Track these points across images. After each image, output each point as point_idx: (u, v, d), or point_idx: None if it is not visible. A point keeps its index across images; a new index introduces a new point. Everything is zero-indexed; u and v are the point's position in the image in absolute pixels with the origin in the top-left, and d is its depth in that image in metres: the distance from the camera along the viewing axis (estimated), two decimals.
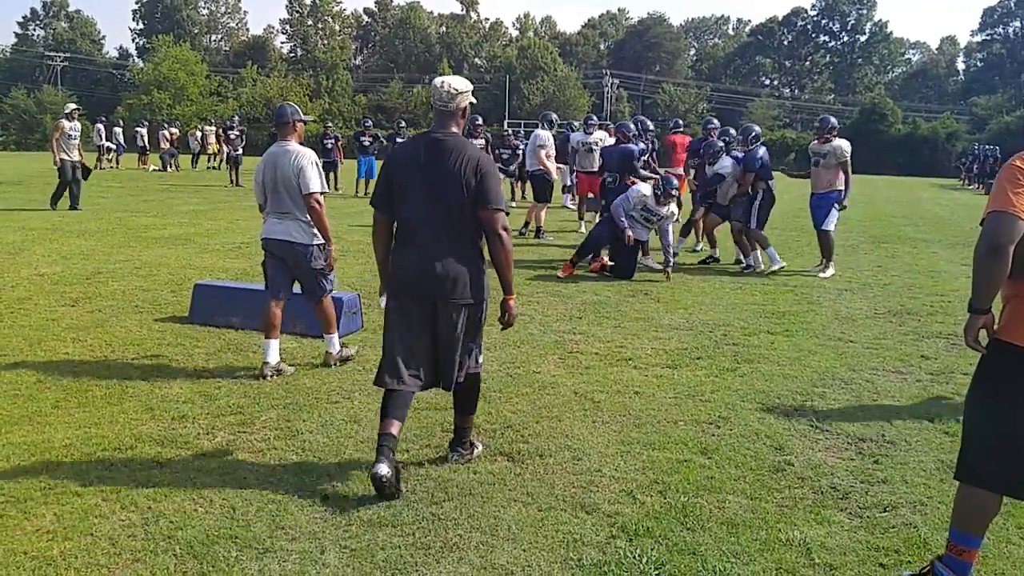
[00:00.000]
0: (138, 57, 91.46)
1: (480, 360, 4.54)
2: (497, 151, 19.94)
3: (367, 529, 3.69)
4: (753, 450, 4.76)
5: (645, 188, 10.44)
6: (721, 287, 10.07)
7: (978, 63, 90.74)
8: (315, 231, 6.03)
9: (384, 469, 3.93)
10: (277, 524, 3.72)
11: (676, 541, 3.65)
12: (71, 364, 6.09)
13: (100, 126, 34.39)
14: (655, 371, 6.35)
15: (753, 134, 11.34)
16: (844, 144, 10.88)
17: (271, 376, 5.86)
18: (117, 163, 34.48)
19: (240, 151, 26.60)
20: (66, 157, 16.45)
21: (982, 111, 68.95)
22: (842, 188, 10.84)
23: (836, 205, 10.91)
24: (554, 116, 16.02)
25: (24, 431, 4.76)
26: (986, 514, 3.21)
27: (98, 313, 7.70)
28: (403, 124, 25.64)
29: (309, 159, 5.95)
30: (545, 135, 14.91)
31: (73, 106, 17.53)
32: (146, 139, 34.38)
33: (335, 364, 6.21)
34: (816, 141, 11.17)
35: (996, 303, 3.12)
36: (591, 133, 14.29)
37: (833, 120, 11.32)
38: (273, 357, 5.94)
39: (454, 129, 4.18)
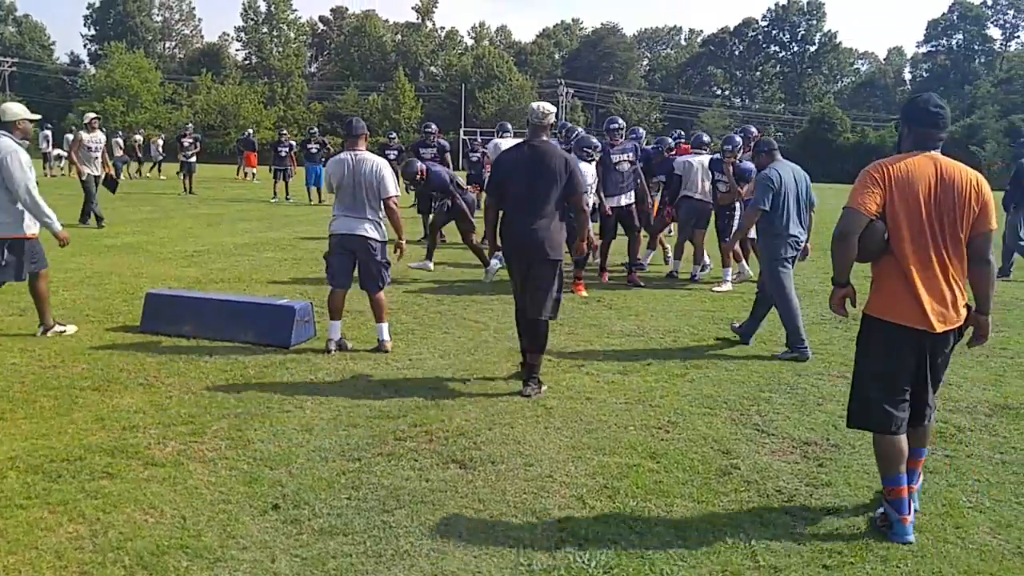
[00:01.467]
0: (90, 64, 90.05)
1: (557, 312, 6.08)
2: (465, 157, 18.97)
3: (318, 538, 3.71)
4: (701, 454, 4.84)
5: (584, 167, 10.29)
6: (672, 294, 10.20)
7: (924, 73, 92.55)
8: (382, 229, 6.95)
9: (530, 392, 5.90)
10: (228, 533, 3.72)
11: (625, 545, 3.71)
12: (19, 374, 6.01)
13: (48, 133, 33.84)
14: (607, 377, 6.43)
15: (736, 145, 10.77)
16: None
17: (334, 351, 6.88)
18: (70, 170, 33.90)
19: (194, 159, 26.30)
20: (88, 171, 15.38)
21: None
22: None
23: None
24: (508, 125, 15.87)
25: None
26: (894, 457, 3.93)
27: None
28: (394, 135, 25.33)
29: (387, 167, 6.94)
30: None
31: (92, 115, 16.39)
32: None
33: (387, 351, 6.98)
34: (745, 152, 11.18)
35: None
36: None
37: (754, 130, 11.40)
38: (336, 335, 7.00)
39: (544, 138, 6.01)
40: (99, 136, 15.75)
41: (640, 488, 4.33)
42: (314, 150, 23.75)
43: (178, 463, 4.50)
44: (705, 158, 11.27)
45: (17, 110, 7.05)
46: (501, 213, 6.11)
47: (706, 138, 11.92)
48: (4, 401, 5.41)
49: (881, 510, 4.02)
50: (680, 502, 4.19)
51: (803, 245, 7.44)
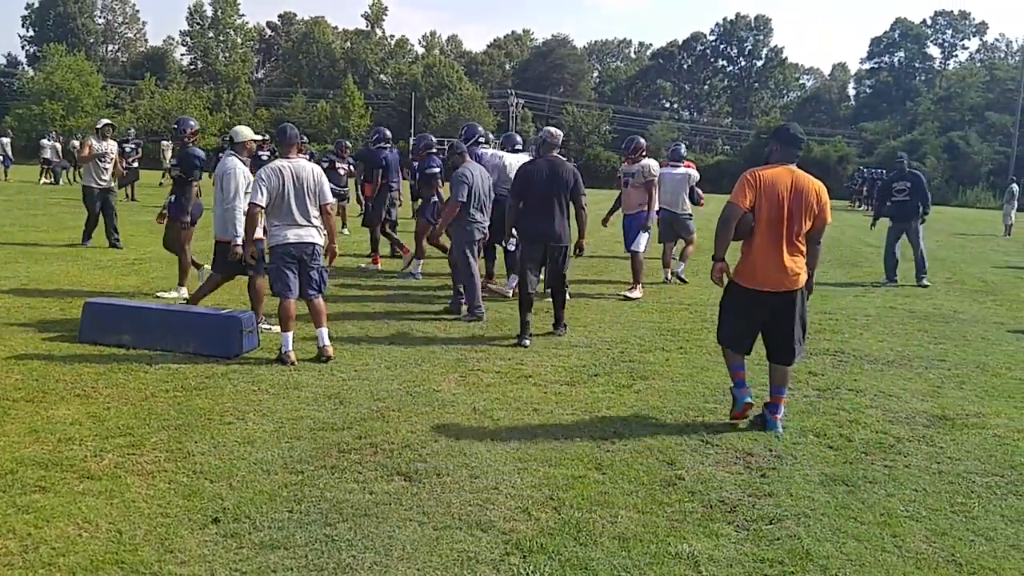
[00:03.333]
0: (28, 65, 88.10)
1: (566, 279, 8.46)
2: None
3: (259, 552, 3.64)
4: (646, 465, 4.86)
5: None
6: (620, 306, 10.25)
7: (867, 89, 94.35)
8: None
9: (527, 343, 7.83)
10: (166, 548, 3.64)
11: (569, 557, 3.71)
12: None
13: None
14: (554, 388, 6.43)
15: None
16: (652, 164, 10.95)
17: (295, 361, 6.81)
18: (5, 176, 33.13)
19: (136, 165, 25.82)
20: (94, 184, 13.84)
21: (871, 135, 71.89)
22: (652, 209, 10.92)
23: (645, 227, 10.93)
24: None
25: None
26: (732, 359, 5.72)
27: None
28: (305, 139, 25.15)
29: (323, 174, 7.10)
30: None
31: (106, 121, 14.97)
32: (48, 153, 32.87)
33: (326, 359, 6.93)
34: (625, 162, 11.11)
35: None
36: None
37: (641, 140, 11.21)
38: (291, 346, 6.92)
39: (556, 153, 8.18)
40: (112, 145, 14.33)
41: (585, 499, 4.34)
42: (264, 157, 23.47)
43: (115, 476, 4.40)
44: (683, 171, 12.03)
45: (246, 132, 8.10)
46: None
47: (684, 151, 12.11)
48: None
49: (731, 393, 5.71)
50: (625, 513, 4.20)
51: (484, 229, 9.21)
